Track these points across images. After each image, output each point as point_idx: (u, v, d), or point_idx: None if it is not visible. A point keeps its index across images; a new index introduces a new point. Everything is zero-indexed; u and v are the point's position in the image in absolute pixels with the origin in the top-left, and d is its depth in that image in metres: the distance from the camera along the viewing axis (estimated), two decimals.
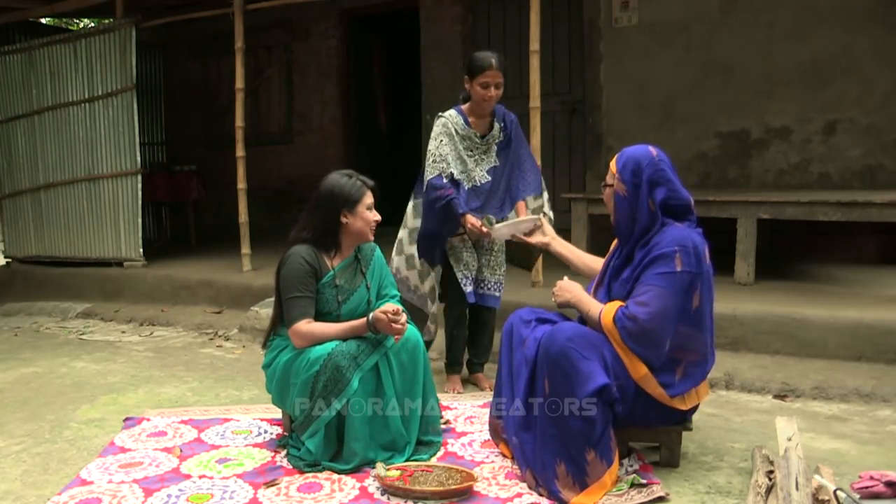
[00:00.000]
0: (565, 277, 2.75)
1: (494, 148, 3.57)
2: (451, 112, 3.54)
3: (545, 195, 3.70)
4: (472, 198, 3.48)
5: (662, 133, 5.92)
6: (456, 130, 3.48)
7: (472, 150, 3.52)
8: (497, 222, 3.39)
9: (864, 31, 5.27)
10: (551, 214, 3.65)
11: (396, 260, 3.63)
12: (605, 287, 2.63)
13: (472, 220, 3.35)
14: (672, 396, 2.44)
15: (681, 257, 2.39)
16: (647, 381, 2.41)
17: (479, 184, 3.50)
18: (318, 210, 2.83)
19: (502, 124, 3.58)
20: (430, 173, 3.43)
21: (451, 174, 3.41)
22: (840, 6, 5.33)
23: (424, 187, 3.45)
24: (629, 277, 2.48)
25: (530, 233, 3.12)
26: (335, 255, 2.86)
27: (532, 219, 3.17)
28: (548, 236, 3.03)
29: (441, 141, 3.45)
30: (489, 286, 3.57)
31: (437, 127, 3.51)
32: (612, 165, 2.60)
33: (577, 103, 6.56)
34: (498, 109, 3.55)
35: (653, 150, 2.57)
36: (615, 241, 2.72)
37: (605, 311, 2.45)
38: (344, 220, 2.81)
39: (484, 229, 3.30)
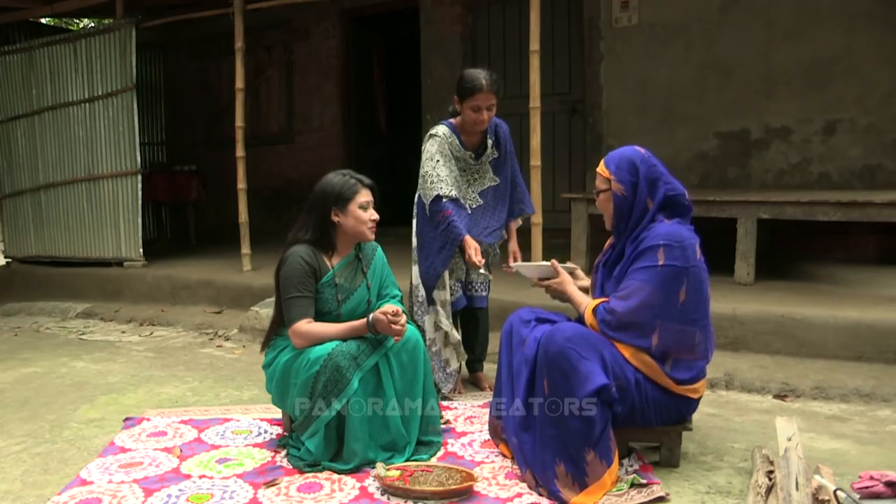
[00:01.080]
0: (553, 261, 2.78)
1: (489, 168, 3.49)
2: (444, 130, 3.38)
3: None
4: (475, 219, 3.41)
5: (662, 133, 5.93)
6: (451, 151, 3.37)
7: (464, 171, 3.44)
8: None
9: (863, 30, 5.27)
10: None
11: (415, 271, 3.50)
12: (599, 288, 2.64)
13: (471, 243, 3.23)
14: (668, 376, 2.45)
15: (664, 251, 2.41)
16: (639, 358, 2.43)
17: (473, 207, 3.42)
18: (313, 210, 2.83)
19: (494, 139, 3.47)
20: (428, 196, 3.31)
21: (453, 195, 3.28)
22: (839, 6, 5.33)
23: (427, 212, 3.34)
24: (619, 274, 2.52)
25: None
26: (333, 255, 2.85)
27: (567, 270, 2.84)
28: (585, 280, 2.89)
29: (437, 161, 3.32)
30: (476, 287, 3.54)
31: (432, 146, 3.35)
32: (603, 170, 2.60)
33: (577, 103, 6.56)
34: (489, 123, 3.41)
35: (639, 148, 2.59)
36: (608, 242, 2.72)
37: (589, 305, 2.55)
38: (335, 218, 2.80)
39: (478, 261, 3.20)
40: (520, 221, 3.71)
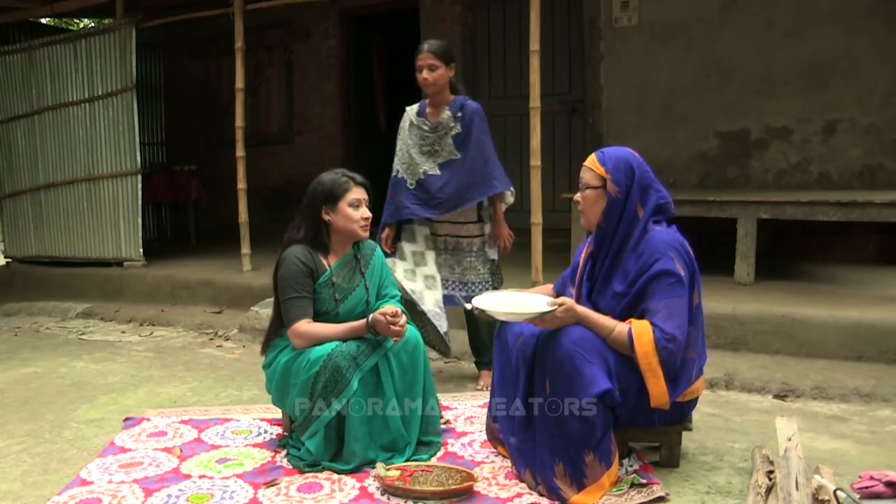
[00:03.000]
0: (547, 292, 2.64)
1: (450, 140, 3.52)
2: (415, 104, 3.67)
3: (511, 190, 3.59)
4: (418, 193, 3.51)
5: (662, 133, 5.92)
6: (410, 121, 3.61)
7: (422, 140, 3.57)
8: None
9: (863, 30, 5.27)
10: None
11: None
12: (586, 300, 2.55)
13: (383, 237, 3.57)
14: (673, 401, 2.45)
15: (678, 261, 2.39)
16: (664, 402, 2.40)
17: (423, 177, 3.52)
18: (306, 209, 2.83)
19: (458, 114, 3.50)
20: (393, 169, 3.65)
21: (400, 175, 3.58)
22: (840, 5, 5.33)
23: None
24: (625, 292, 2.43)
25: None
26: (329, 254, 2.85)
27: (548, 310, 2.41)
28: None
29: (399, 135, 3.63)
30: (474, 287, 3.54)
31: (402, 121, 3.66)
32: (598, 167, 2.51)
33: (577, 103, 6.56)
34: (456, 99, 3.54)
35: (632, 151, 2.56)
36: (586, 251, 2.65)
37: (638, 335, 2.33)
38: (326, 217, 2.79)
39: (386, 249, 3.49)
40: (503, 205, 3.59)
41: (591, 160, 2.56)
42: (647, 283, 2.38)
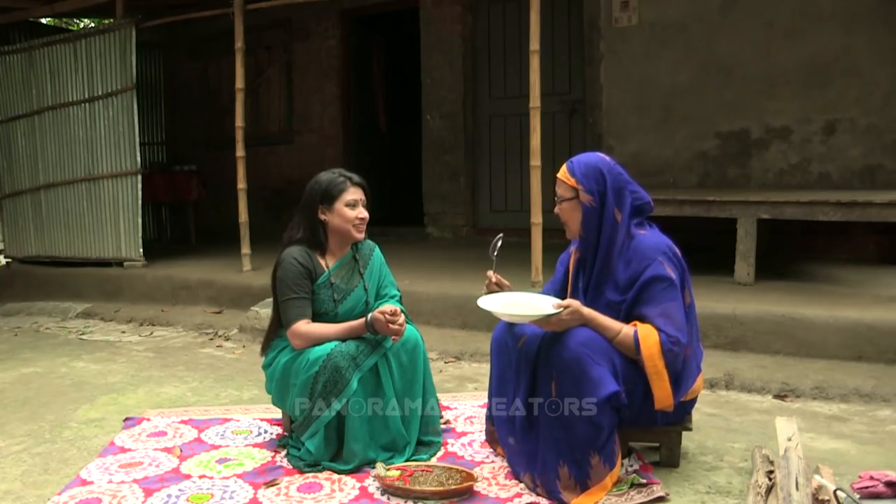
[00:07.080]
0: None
1: None
2: None
3: None
4: None
5: (662, 133, 5.92)
6: None
7: None
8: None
9: (864, 30, 5.27)
10: None
11: None
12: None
13: None
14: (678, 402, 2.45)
15: (668, 264, 2.39)
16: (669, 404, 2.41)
17: None
18: (304, 209, 2.83)
19: None
20: None
21: None
22: (840, 6, 5.33)
23: None
24: (619, 300, 2.44)
25: None
26: (327, 254, 2.84)
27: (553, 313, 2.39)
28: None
29: None
30: None
31: None
32: (568, 178, 2.52)
33: (577, 103, 6.56)
34: None
35: (604, 155, 2.55)
36: (573, 259, 2.65)
37: (644, 338, 2.34)
38: (323, 216, 2.79)
39: None
40: None
41: (562, 171, 2.57)
42: (641, 289, 2.39)
